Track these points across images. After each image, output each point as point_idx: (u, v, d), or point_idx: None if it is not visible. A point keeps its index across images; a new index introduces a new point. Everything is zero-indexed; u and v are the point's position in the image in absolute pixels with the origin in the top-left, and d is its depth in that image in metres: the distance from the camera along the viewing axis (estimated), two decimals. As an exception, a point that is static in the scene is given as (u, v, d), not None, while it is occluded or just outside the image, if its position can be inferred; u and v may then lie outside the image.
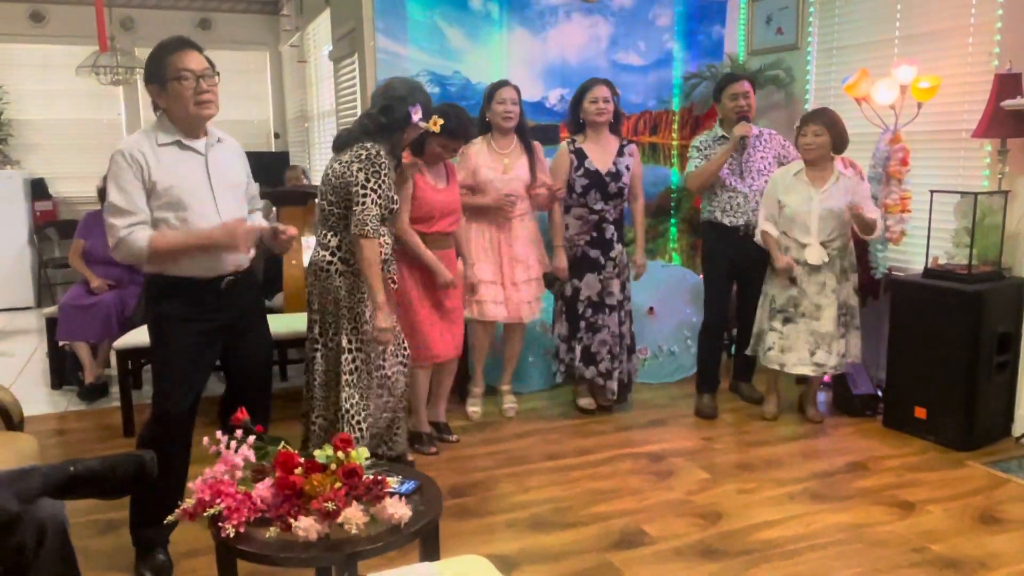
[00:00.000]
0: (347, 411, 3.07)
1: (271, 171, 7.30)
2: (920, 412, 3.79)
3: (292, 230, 2.73)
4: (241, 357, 2.74)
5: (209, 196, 2.56)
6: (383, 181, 2.99)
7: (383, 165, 2.99)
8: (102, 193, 4.81)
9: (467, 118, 3.55)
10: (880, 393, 4.15)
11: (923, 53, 4.17)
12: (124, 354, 3.90)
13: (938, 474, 3.41)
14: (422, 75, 4.52)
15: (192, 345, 2.59)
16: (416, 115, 3.09)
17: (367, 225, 2.95)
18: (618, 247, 4.10)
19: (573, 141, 4.06)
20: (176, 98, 2.48)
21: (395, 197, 3.11)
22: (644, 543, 2.84)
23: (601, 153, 4.02)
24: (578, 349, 4.08)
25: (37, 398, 4.54)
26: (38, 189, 7.37)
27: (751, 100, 4.11)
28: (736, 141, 3.99)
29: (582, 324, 4.07)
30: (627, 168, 4.04)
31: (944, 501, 3.15)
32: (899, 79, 3.98)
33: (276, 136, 8.44)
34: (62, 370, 4.76)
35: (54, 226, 7.23)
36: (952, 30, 4.09)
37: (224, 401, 2.81)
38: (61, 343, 4.64)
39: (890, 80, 4.01)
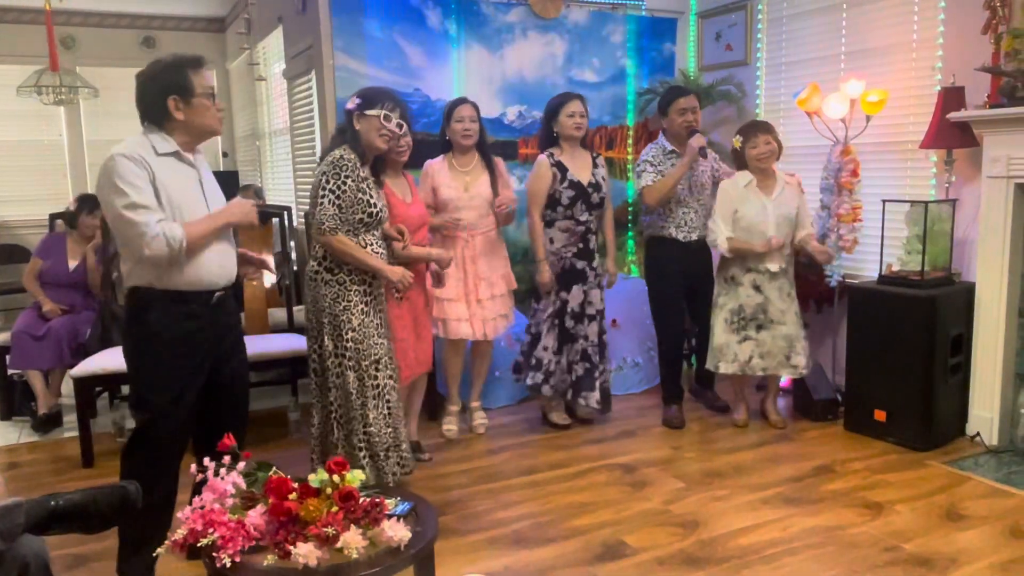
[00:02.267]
0: (356, 421, 3.08)
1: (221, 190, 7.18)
2: (880, 415, 3.91)
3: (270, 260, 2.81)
4: (226, 379, 2.69)
5: (205, 211, 2.56)
6: (343, 182, 2.99)
7: (344, 167, 3.00)
8: (70, 217, 4.70)
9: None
10: (840, 397, 4.27)
11: (869, 68, 4.33)
12: (83, 382, 3.77)
13: (901, 474, 3.52)
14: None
15: (187, 358, 2.53)
16: (351, 104, 3.10)
17: (323, 223, 3.00)
18: (597, 256, 4.14)
19: (551, 154, 4.07)
20: (201, 113, 2.51)
21: (374, 202, 3.07)
22: (627, 555, 2.87)
23: (579, 165, 4.06)
24: (564, 362, 4.10)
25: (-14, 430, 4.38)
26: (-24, 213, 7.11)
27: (698, 114, 4.18)
28: (695, 153, 4.06)
29: (568, 336, 4.09)
30: (603, 179, 4.09)
31: (910, 500, 3.25)
32: (848, 93, 4.13)
33: (224, 155, 8.30)
34: (11, 400, 4.59)
35: (-7, 251, 6.98)
36: (896, 46, 4.26)
37: (199, 423, 2.69)
38: (12, 371, 4.48)
39: (840, 94, 4.15)
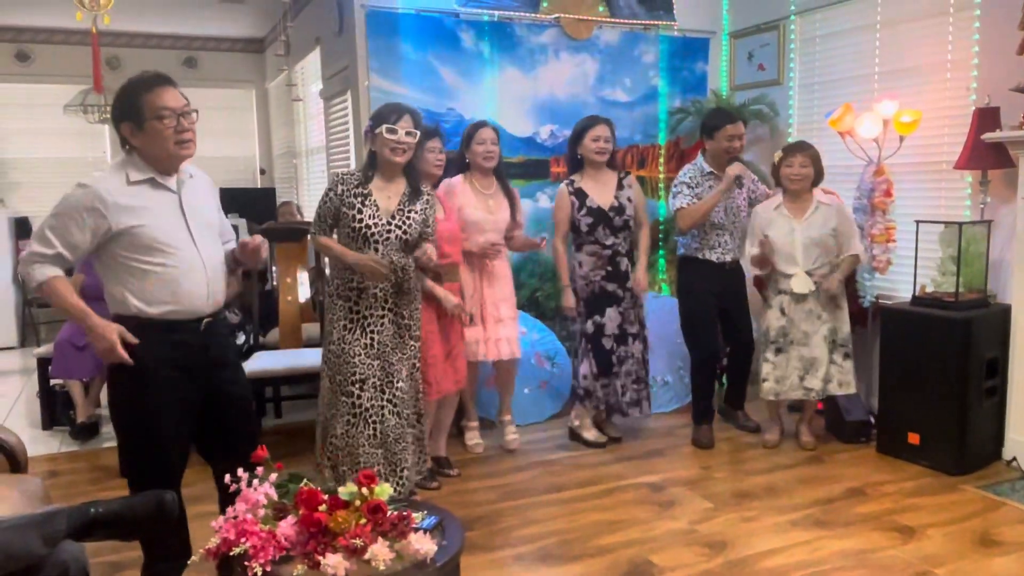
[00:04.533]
0: (320, 428, 3.23)
1: (257, 207, 7.35)
2: (913, 438, 3.86)
3: (257, 238, 2.59)
4: (225, 401, 2.57)
5: (187, 236, 2.44)
6: (326, 194, 3.22)
7: (336, 182, 3.21)
8: None
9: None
10: (872, 419, 4.22)
11: (903, 88, 4.31)
12: (121, 393, 3.87)
13: (935, 499, 3.48)
14: (416, 112, 4.59)
15: (178, 389, 2.42)
16: (365, 127, 3.29)
17: (312, 227, 3.29)
18: (632, 278, 4.16)
19: (572, 182, 4.10)
20: (155, 137, 2.35)
21: (361, 218, 3.12)
22: (652, 574, 2.86)
23: (601, 190, 4.08)
24: (617, 384, 4.12)
25: (27, 439, 4.46)
26: (22, 228, 7.31)
27: (744, 141, 4.21)
28: (731, 181, 4.06)
29: (614, 359, 4.09)
30: (629, 200, 4.10)
31: (943, 525, 3.21)
32: (881, 113, 4.12)
33: (262, 172, 8.47)
34: (52, 410, 4.71)
35: (38, 265, 7.16)
36: (930, 66, 4.23)
37: (206, 436, 2.62)
38: (53, 382, 4.60)
39: (873, 114, 4.14)
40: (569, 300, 4.09)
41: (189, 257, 2.43)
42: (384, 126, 3.13)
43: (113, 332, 2.31)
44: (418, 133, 3.20)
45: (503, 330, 4.00)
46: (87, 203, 2.31)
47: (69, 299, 2.36)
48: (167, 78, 2.43)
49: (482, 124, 3.99)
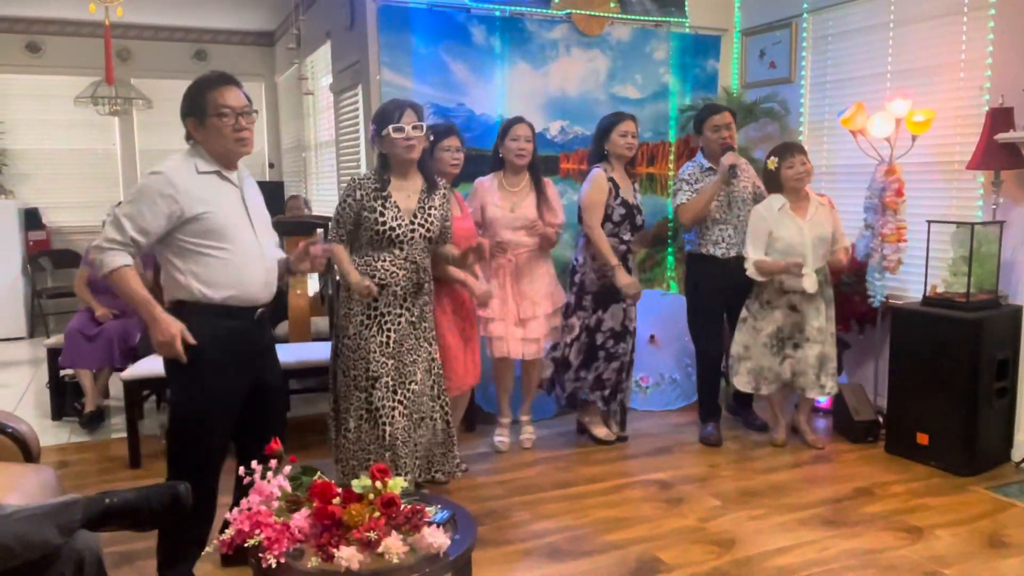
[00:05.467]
0: (330, 417, 3.29)
1: (265, 200, 7.37)
2: (922, 438, 3.86)
3: (321, 246, 2.71)
4: (264, 390, 2.74)
5: (249, 229, 2.60)
6: (344, 199, 3.20)
7: (351, 187, 3.19)
8: None
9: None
10: (881, 419, 4.22)
11: (915, 87, 4.29)
12: (132, 385, 3.89)
13: (943, 499, 3.47)
14: (426, 108, 4.58)
15: (231, 375, 2.57)
16: (370, 132, 3.26)
17: (330, 232, 3.28)
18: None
19: (606, 169, 4.05)
20: (214, 134, 2.51)
21: (384, 220, 3.12)
22: (661, 571, 2.87)
23: (626, 186, 4.08)
24: (591, 377, 4.11)
25: (37, 429, 4.46)
26: (31, 219, 7.35)
27: (733, 131, 4.19)
28: (726, 171, 4.06)
29: (601, 354, 4.08)
30: (641, 204, 4.13)
31: (951, 526, 3.21)
32: (894, 112, 4.10)
33: (271, 166, 8.48)
34: (62, 401, 4.73)
35: (47, 255, 7.22)
36: (944, 65, 4.22)
37: (244, 424, 2.72)
38: (63, 371, 4.62)
39: (885, 113, 4.12)
40: (626, 277, 3.93)
41: (250, 246, 2.58)
42: (390, 126, 3.10)
43: (176, 327, 2.44)
44: (424, 125, 3.16)
45: (520, 330, 3.99)
46: (160, 188, 2.44)
47: (138, 290, 2.46)
48: (231, 78, 2.58)
49: (517, 120, 3.96)
